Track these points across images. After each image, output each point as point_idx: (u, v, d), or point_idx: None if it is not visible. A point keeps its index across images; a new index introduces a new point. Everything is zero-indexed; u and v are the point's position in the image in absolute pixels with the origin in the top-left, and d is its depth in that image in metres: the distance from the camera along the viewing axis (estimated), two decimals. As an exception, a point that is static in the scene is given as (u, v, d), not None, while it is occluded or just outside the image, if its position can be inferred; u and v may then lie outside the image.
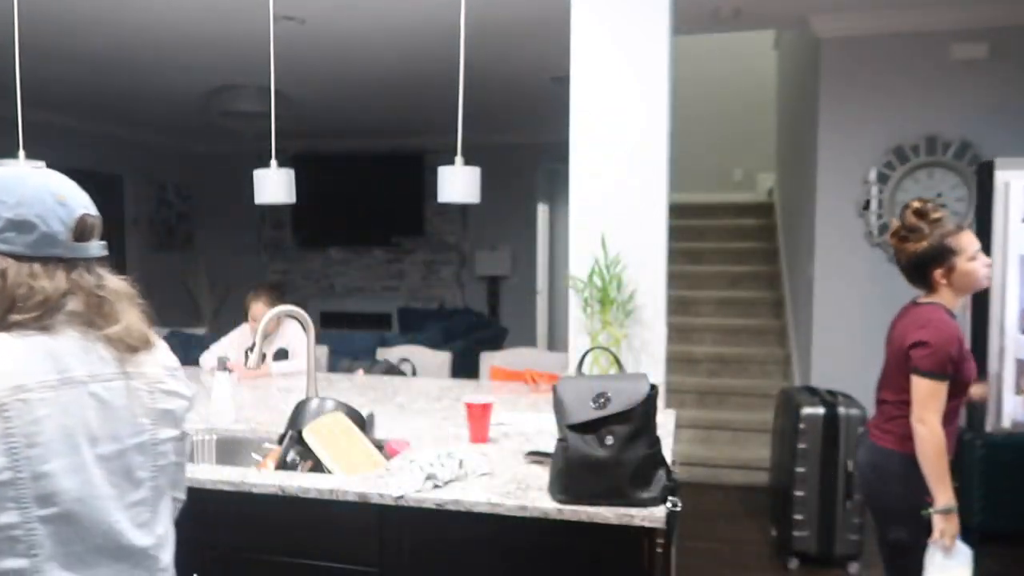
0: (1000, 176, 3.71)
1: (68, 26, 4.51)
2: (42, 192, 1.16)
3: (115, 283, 1.19)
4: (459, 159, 2.78)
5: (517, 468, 2.03)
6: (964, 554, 2.14)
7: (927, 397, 2.14)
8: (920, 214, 2.22)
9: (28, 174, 1.19)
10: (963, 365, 2.19)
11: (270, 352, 3.68)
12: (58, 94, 6.40)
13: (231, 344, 3.78)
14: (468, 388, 3.29)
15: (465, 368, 4.40)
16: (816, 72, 4.63)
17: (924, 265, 2.23)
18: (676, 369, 5.57)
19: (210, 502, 1.96)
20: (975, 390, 2.36)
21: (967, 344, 2.25)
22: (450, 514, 1.80)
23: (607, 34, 2.95)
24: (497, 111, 7.15)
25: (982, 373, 3.54)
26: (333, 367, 4.01)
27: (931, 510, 2.13)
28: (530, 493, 1.83)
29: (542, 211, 9.29)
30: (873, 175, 4.46)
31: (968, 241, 2.18)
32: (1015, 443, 3.89)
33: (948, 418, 2.18)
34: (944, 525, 2.12)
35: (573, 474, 1.71)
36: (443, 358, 3.88)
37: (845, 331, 4.56)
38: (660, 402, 2.17)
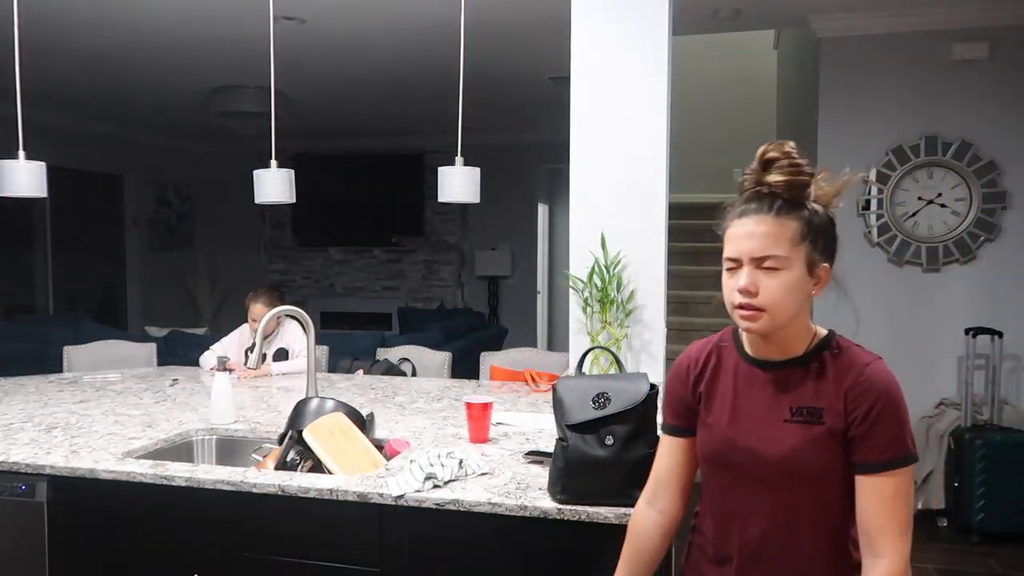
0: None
1: (68, 26, 4.51)
2: None
3: None
4: (459, 159, 2.78)
5: (517, 468, 2.03)
6: None
7: None
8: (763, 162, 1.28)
9: None
10: (699, 426, 1.41)
11: (270, 352, 3.68)
12: (58, 94, 6.40)
13: (231, 344, 3.78)
14: (468, 388, 3.29)
15: (465, 368, 4.40)
16: (816, 72, 4.63)
17: None
18: (676, 369, 5.55)
19: (210, 502, 1.96)
20: None
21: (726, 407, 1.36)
22: (450, 514, 1.80)
23: (607, 34, 2.95)
24: (497, 111, 7.15)
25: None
26: (333, 367, 4.01)
27: None
28: (530, 493, 1.82)
29: (542, 211, 9.30)
30: (873, 175, 4.46)
31: (730, 234, 1.28)
32: (1015, 443, 3.89)
33: (710, 502, 1.42)
34: None
35: (573, 474, 1.71)
36: (443, 358, 3.88)
37: (844, 331, 4.55)
38: (660, 402, 2.16)
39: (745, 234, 1.25)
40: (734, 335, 1.41)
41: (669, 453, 1.47)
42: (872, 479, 1.24)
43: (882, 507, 1.23)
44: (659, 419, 1.62)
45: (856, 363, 1.28)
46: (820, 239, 1.28)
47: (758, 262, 1.24)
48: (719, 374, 1.39)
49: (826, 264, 1.30)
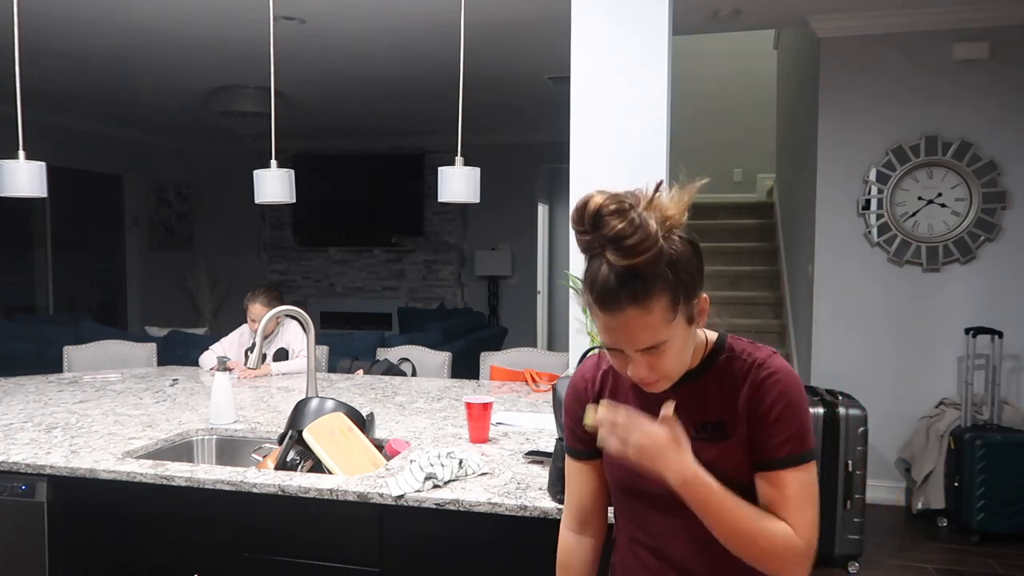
0: None
1: (68, 26, 4.51)
2: None
3: None
4: (459, 159, 2.78)
5: (517, 468, 2.03)
6: None
7: None
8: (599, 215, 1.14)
9: None
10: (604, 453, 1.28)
11: (270, 352, 3.68)
12: (58, 94, 6.40)
13: (231, 344, 3.78)
14: (468, 388, 3.29)
15: (465, 368, 4.40)
16: (816, 72, 4.63)
17: None
18: (676, 369, 5.55)
19: (210, 502, 1.96)
20: None
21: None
22: (450, 514, 1.80)
23: (607, 34, 2.95)
24: (497, 111, 7.15)
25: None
26: (333, 367, 4.01)
27: None
28: (530, 493, 1.83)
29: (542, 211, 9.30)
30: (873, 175, 4.46)
31: (600, 323, 1.18)
32: (1015, 443, 3.89)
33: (626, 527, 1.33)
34: None
35: (573, 474, 1.71)
36: (443, 358, 3.88)
37: (845, 331, 4.56)
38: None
39: (618, 328, 1.13)
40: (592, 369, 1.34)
41: (582, 478, 1.37)
42: (770, 475, 1.17)
43: (782, 504, 1.16)
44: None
45: (751, 363, 1.20)
46: (690, 285, 1.13)
47: (642, 351, 1.14)
48: (617, 395, 1.30)
49: (703, 295, 1.18)
